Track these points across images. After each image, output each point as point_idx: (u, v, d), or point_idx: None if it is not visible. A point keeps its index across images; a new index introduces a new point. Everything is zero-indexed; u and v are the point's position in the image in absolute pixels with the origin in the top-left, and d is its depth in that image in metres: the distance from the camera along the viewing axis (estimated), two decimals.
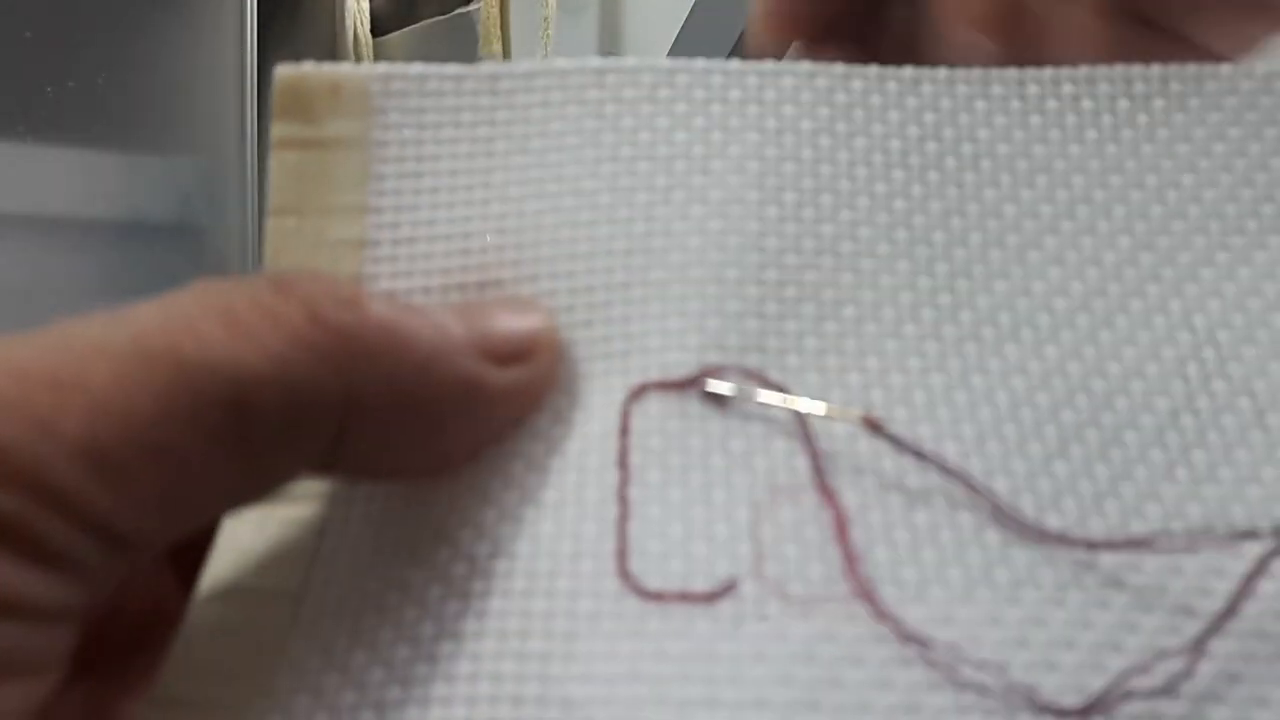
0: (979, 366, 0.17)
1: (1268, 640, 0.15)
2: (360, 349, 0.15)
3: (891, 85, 0.19)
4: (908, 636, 0.15)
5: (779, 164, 0.19)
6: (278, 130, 0.18)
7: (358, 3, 0.96)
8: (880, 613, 0.15)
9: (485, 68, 0.19)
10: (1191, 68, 0.19)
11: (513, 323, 0.17)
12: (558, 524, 0.17)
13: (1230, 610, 0.15)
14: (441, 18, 0.95)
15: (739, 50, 0.65)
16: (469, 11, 0.91)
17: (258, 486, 0.15)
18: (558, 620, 0.16)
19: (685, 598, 0.16)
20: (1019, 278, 0.18)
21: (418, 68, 0.19)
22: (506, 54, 0.86)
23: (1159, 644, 0.15)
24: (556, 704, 0.15)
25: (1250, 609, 0.15)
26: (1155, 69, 0.19)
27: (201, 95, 0.86)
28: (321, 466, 0.16)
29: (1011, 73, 0.19)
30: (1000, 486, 0.16)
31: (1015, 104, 0.19)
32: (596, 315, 0.18)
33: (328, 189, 0.18)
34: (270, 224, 0.18)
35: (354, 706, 0.15)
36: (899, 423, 0.17)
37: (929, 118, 0.19)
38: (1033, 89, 0.19)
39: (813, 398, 0.17)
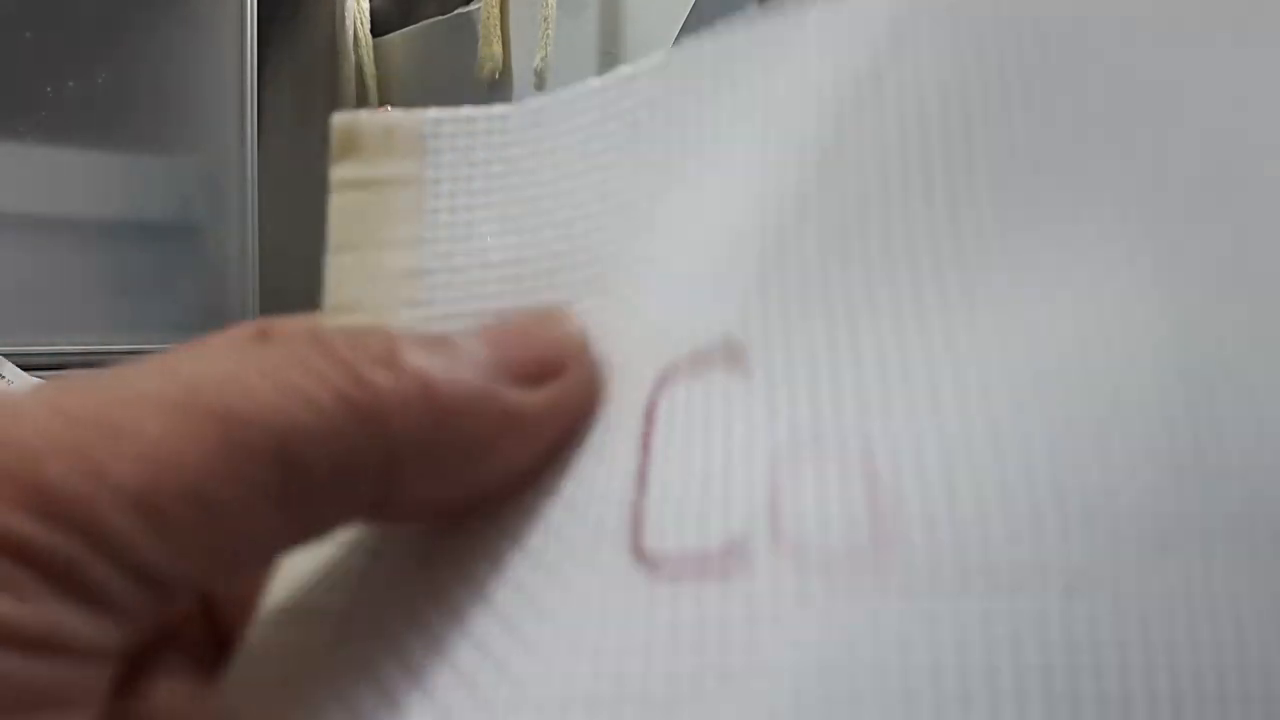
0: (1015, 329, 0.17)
1: None
2: (399, 405, 0.15)
3: None
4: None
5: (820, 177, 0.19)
6: (336, 173, 0.19)
7: (358, 3, 0.96)
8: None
9: (531, 103, 0.20)
10: None
11: (540, 338, 0.17)
12: (571, 511, 0.17)
13: None
14: (441, 18, 0.95)
15: None
16: (469, 11, 0.91)
17: (302, 539, 0.16)
18: (584, 622, 0.16)
19: (696, 559, 0.15)
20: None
21: (467, 111, 0.20)
22: (506, 54, 0.86)
23: None
24: (559, 678, 0.15)
25: None
26: None
27: (201, 95, 0.86)
28: (368, 517, 0.16)
29: None
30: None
31: None
32: (635, 322, 0.18)
33: (385, 225, 0.19)
34: (330, 261, 0.19)
35: None
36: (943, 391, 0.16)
37: None
38: None
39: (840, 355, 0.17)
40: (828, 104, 0.19)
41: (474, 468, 0.16)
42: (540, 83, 0.81)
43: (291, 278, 0.81)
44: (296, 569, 0.17)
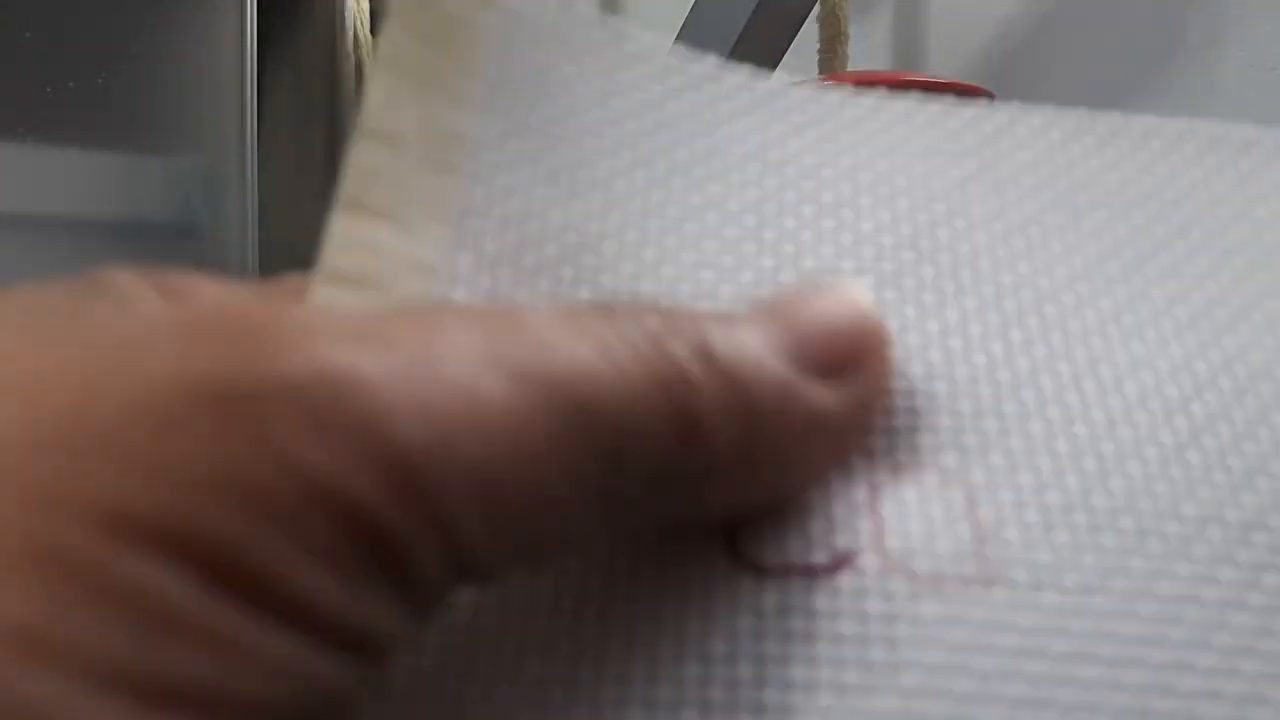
0: (1107, 358, 0.18)
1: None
2: (717, 409, 0.13)
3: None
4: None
5: (891, 176, 0.19)
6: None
7: (358, 3, 0.96)
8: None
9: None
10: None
11: (836, 319, 0.15)
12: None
13: None
14: None
15: (738, 51, 0.65)
16: None
17: (608, 539, 0.14)
18: (667, 601, 0.15)
19: (804, 569, 0.15)
20: (1140, 286, 0.19)
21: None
22: None
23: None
24: (668, 684, 0.14)
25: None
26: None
27: (201, 95, 0.86)
28: (671, 522, 0.14)
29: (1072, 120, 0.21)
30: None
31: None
32: (702, 292, 0.18)
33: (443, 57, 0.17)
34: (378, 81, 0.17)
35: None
36: (1028, 403, 0.17)
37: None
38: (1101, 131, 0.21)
39: (937, 372, 0.17)
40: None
41: (784, 479, 0.15)
42: None
43: None
44: None
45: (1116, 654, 0.14)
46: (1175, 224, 0.19)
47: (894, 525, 0.15)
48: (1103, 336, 0.18)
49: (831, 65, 0.68)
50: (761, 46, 0.65)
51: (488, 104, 0.17)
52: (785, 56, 0.68)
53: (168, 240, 0.86)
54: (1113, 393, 0.17)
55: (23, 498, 0.10)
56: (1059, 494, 0.16)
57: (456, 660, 0.15)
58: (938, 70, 0.76)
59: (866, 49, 0.80)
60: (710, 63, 0.20)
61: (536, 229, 0.17)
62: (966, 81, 0.57)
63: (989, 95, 0.53)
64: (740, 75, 0.20)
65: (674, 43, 0.71)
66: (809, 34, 0.69)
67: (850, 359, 0.15)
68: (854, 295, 0.16)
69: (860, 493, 0.16)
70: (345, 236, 0.16)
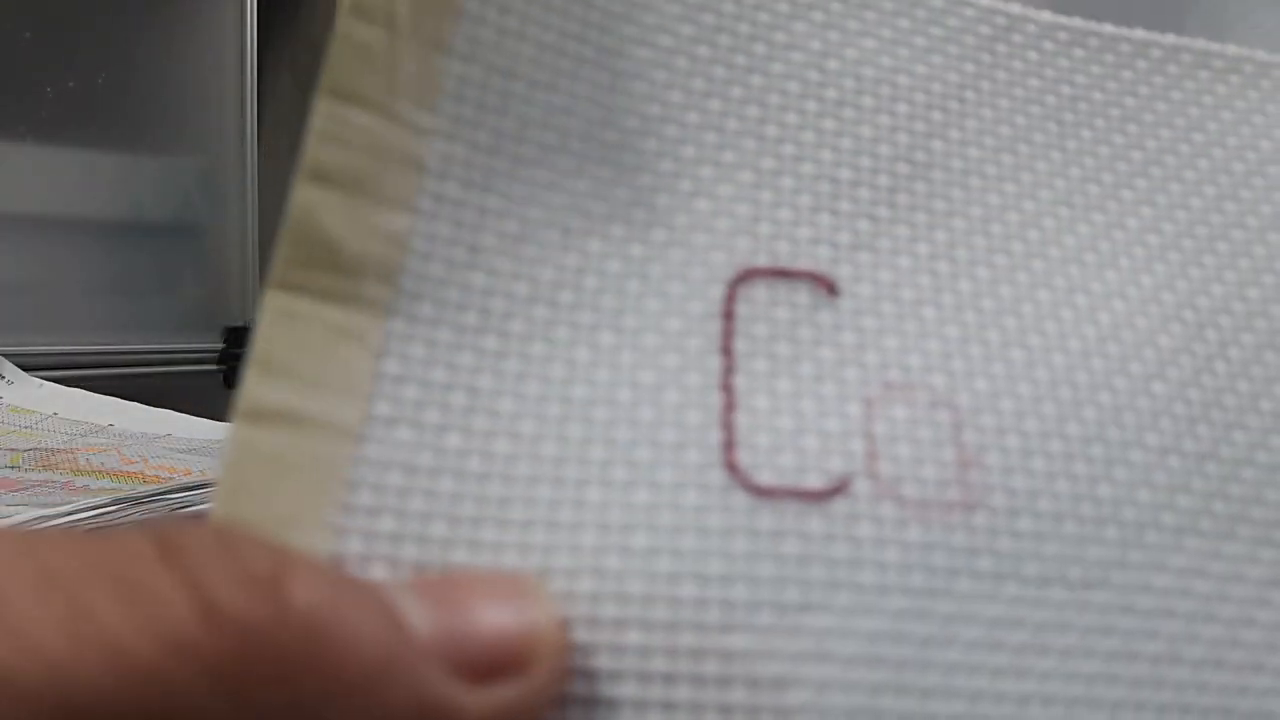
0: (1082, 287, 0.18)
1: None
2: (270, 662, 0.10)
3: (903, 23, 0.20)
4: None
5: (894, 75, 0.19)
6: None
7: None
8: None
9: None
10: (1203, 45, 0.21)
11: (502, 616, 0.13)
12: (658, 409, 0.16)
13: None
14: None
15: None
16: None
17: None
18: (662, 513, 0.15)
19: (798, 494, 0.15)
20: (1115, 212, 0.19)
21: None
22: None
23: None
24: (664, 604, 0.14)
25: None
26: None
27: (201, 95, 0.86)
28: None
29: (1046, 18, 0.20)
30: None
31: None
32: (699, 189, 0.17)
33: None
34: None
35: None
36: (1010, 330, 0.18)
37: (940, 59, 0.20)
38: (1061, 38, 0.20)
39: (926, 297, 0.18)
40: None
41: None
42: None
43: None
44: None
45: (1084, 576, 0.16)
46: (1152, 150, 0.20)
47: (885, 448, 0.16)
48: (1080, 264, 0.18)
49: None
50: None
51: None
52: None
53: (168, 240, 0.86)
54: (1087, 322, 0.18)
55: None
56: (1037, 421, 0.17)
57: None
58: None
59: None
60: None
61: (539, 115, 0.17)
62: None
63: None
64: None
65: None
66: None
67: (511, 661, 0.13)
68: (535, 591, 0.14)
69: (854, 407, 0.16)
70: (330, 125, 0.15)
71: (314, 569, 0.11)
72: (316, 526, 0.14)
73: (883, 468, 0.16)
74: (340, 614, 0.11)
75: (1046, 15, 0.20)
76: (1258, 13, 0.61)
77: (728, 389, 0.16)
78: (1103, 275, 0.18)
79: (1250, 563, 0.16)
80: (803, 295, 0.17)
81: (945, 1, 0.20)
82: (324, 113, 0.16)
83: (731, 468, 0.15)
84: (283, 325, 0.15)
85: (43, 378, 0.61)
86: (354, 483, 0.14)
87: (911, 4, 0.20)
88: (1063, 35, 0.20)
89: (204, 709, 0.10)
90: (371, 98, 0.16)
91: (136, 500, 0.37)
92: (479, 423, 0.15)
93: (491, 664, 0.12)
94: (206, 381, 0.84)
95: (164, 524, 0.12)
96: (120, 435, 0.53)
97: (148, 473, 0.45)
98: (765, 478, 0.15)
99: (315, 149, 0.16)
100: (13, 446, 0.49)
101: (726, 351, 0.16)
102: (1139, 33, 0.21)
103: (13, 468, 0.46)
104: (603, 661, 0.14)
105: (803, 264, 0.17)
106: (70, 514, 0.35)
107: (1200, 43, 0.21)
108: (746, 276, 0.17)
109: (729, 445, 0.16)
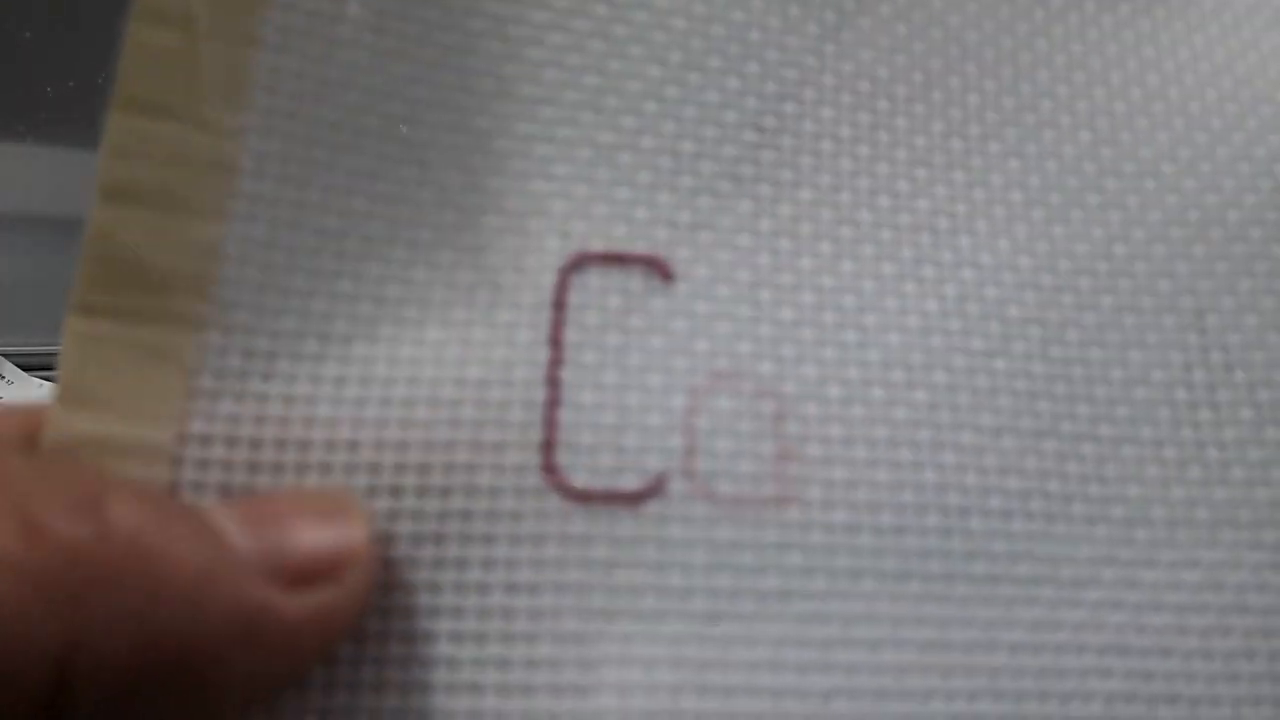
0: (932, 257, 0.17)
1: None
2: (94, 574, 0.11)
3: None
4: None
5: (745, 31, 0.18)
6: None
7: None
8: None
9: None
10: None
11: (316, 535, 0.14)
12: (481, 408, 0.15)
13: None
14: None
15: None
16: None
17: None
18: (476, 522, 0.15)
19: (611, 498, 0.15)
20: (979, 169, 0.18)
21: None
22: None
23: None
24: (474, 615, 0.15)
25: None
26: None
27: None
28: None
29: None
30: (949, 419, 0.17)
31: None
32: (533, 169, 0.17)
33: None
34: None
35: None
36: (847, 309, 0.17)
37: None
38: None
39: (764, 278, 0.17)
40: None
41: (197, 680, 0.12)
42: None
43: None
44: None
45: (898, 567, 0.15)
46: (1026, 95, 0.18)
47: (704, 442, 0.16)
48: (931, 231, 0.17)
49: None
50: None
51: None
52: None
53: None
54: (931, 296, 0.17)
55: None
56: (863, 407, 0.16)
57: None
58: None
59: None
60: None
61: (360, 100, 0.16)
62: None
63: None
64: None
65: None
66: None
67: (323, 568, 0.14)
68: (350, 507, 0.15)
69: (678, 399, 0.16)
70: (127, 140, 0.15)
71: (134, 490, 0.12)
72: None
73: (700, 464, 0.16)
74: (161, 529, 0.12)
75: None
76: None
77: (553, 382, 0.16)
78: (955, 242, 0.17)
79: (1083, 542, 0.16)
80: (636, 281, 0.16)
81: None
82: (118, 127, 0.15)
83: (549, 470, 0.15)
84: (88, 350, 0.15)
85: (43, 378, 0.61)
86: None
87: None
88: None
89: (30, 616, 0.11)
90: (171, 104, 0.15)
91: None
92: (295, 432, 0.15)
93: (306, 571, 0.13)
94: None
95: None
96: None
97: None
98: (581, 480, 0.15)
99: (110, 166, 0.16)
100: None
101: (555, 343, 0.16)
102: None
103: None
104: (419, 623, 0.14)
105: (639, 247, 0.17)
106: None
107: None
108: (580, 263, 0.16)
109: (549, 445, 0.15)
